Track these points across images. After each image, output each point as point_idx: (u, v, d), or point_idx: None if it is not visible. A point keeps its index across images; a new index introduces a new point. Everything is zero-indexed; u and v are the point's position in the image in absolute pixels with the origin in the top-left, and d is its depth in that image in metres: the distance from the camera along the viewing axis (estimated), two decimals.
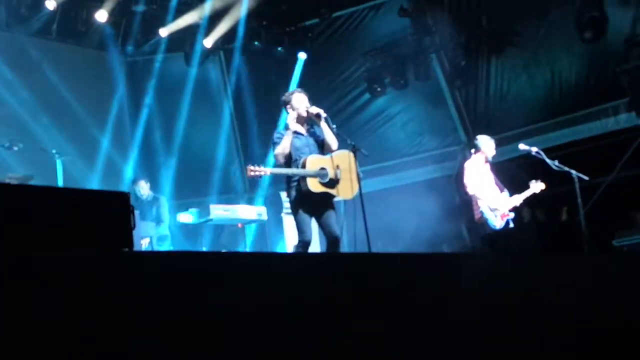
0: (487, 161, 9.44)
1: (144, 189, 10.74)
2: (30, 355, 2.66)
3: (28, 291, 2.79)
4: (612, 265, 5.62)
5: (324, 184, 7.20)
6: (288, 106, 7.51)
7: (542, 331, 4.31)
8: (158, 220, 10.54)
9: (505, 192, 9.43)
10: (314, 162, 7.28)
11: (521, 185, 9.71)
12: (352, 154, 7.46)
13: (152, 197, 10.81)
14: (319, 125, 7.55)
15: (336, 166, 7.36)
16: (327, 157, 7.40)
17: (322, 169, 7.24)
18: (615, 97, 12.08)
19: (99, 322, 2.88)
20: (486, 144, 9.46)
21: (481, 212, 9.10)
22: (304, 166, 7.21)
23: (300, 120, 7.45)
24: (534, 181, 9.60)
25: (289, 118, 7.39)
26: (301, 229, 7.17)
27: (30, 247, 3.64)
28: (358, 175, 7.39)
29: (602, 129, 12.38)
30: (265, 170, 7.18)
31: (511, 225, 9.21)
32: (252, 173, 7.14)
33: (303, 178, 7.15)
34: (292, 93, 7.58)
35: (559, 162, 9.28)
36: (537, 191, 9.57)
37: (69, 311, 2.83)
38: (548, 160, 9.33)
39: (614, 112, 12.25)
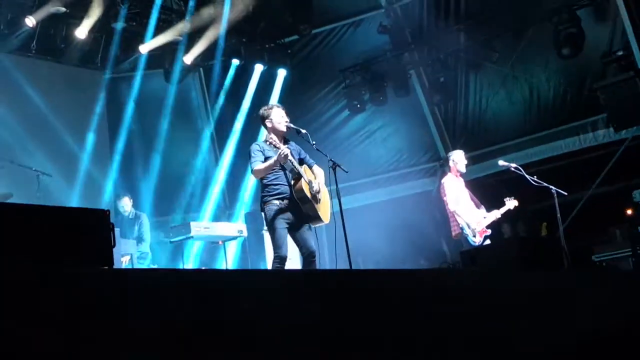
0: (460, 175, 9.53)
1: (127, 205, 10.69)
2: None
3: (5, 307, 2.77)
4: (592, 281, 5.66)
5: (311, 194, 7.25)
6: (267, 120, 7.50)
7: (521, 347, 4.33)
8: (139, 239, 10.49)
9: (482, 209, 9.49)
10: (307, 172, 7.42)
11: (501, 201, 9.77)
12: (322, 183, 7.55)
13: (134, 214, 10.76)
14: (295, 141, 7.62)
15: (318, 190, 7.45)
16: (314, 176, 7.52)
17: (311, 182, 7.33)
18: (593, 113, 12.20)
19: (78, 339, 2.86)
20: (458, 157, 9.56)
21: (461, 229, 9.14)
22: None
23: (278, 135, 7.43)
24: (507, 198, 9.68)
25: (271, 138, 7.32)
26: (277, 245, 7.16)
27: (9, 264, 3.62)
28: (338, 192, 7.41)
29: (580, 145, 12.49)
30: (280, 146, 7.16)
31: (488, 241, 9.26)
32: (271, 140, 7.20)
33: (296, 179, 7.22)
34: (270, 108, 7.56)
35: (538, 178, 9.34)
36: (512, 207, 9.64)
37: (48, 327, 2.81)
38: (527, 176, 9.39)
39: (592, 128, 12.37)
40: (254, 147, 7.44)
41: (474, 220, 9.17)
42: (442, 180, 9.56)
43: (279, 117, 7.46)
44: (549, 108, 12.79)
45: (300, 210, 7.24)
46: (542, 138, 12.83)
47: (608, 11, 11.97)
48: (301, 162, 7.51)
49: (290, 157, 7.15)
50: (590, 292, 5.25)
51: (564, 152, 12.64)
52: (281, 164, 7.23)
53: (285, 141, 7.55)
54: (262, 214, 7.45)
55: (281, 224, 7.17)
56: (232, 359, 3.19)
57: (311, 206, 7.26)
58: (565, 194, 9.33)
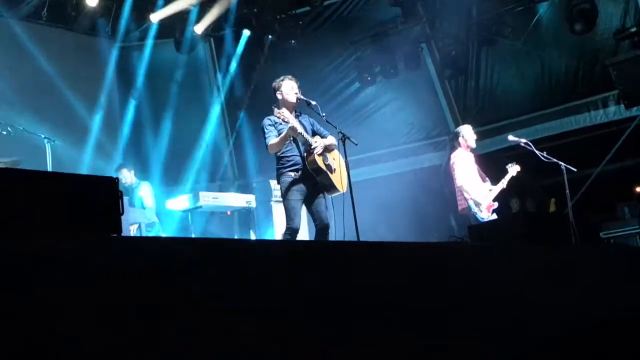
0: (470, 150, 9.48)
1: (126, 177, 10.62)
2: (16, 342, 2.65)
3: (14, 275, 2.78)
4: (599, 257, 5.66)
5: (325, 164, 7.27)
6: (278, 92, 7.53)
7: (527, 323, 4.34)
8: (141, 206, 10.50)
9: (488, 182, 9.46)
10: (319, 142, 7.42)
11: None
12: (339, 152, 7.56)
13: (138, 183, 10.75)
14: (307, 114, 7.64)
15: (333, 158, 7.50)
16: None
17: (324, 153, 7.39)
18: (605, 89, 12.13)
19: (87, 308, 2.87)
20: (468, 133, 9.50)
21: (468, 205, 9.12)
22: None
23: (288, 106, 7.44)
24: (509, 165, 9.59)
25: (280, 112, 7.31)
26: (290, 216, 7.20)
27: (18, 230, 3.63)
28: (347, 165, 7.43)
29: (591, 121, 12.44)
30: (289, 119, 7.16)
31: (494, 215, 9.22)
32: (278, 114, 7.22)
33: (309, 152, 7.23)
34: (282, 79, 7.58)
35: (548, 154, 9.32)
36: (514, 174, 9.53)
37: (56, 296, 2.83)
38: (537, 152, 9.36)
39: (603, 105, 12.30)
40: (266, 121, 7.46)
41: (480, 195, 9.15)
42: (452, 155, 9.52)
43: (288, 89, 7.47)
44: (560, 84, 12.71)
45: (315, 181, 7.28)
46: (553, 114, 12.77)
47: None
48: (314, 133, 7.53)
49: (300, 130, 7.17)
50: (598, 269, 5.25)
51: (574, 128, 12.59)
52: (293, 136, 7.25)
53: (297, 113, 7.56)
54: (277, 185, 7.53)
55: (295, 195, 7.22)
56: (247, 328, 3.20)
57: (326, 176, 7.30)
58: (575, 170, 9.31)
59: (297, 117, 7.48)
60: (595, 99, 12.38)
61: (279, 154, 7.38)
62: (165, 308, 3.04)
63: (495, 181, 9.46)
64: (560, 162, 9.19)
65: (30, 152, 9.38)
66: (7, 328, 2.57)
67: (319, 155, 7.28)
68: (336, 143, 7.60)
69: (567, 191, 9.07)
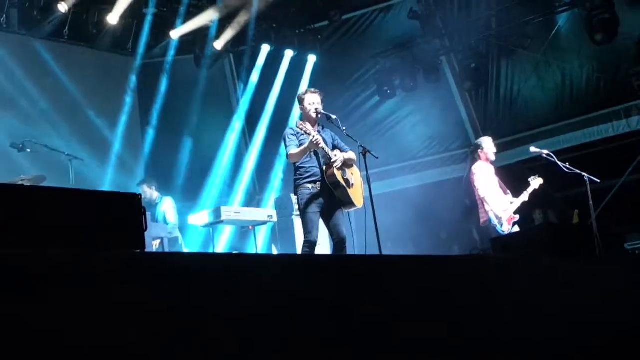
0: (490, 163, 9.42)
1: (146, 193, 10.65)
2: (40, 354, 2.67)
3: (41, 291, 2.80)
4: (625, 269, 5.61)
5: (343, 178, 7.27)
6: (300, 105, 7.58)
7: (554, 333, 4.30)
8: (163, 221, 10.54)
9: (509, 195, 9.39)
10: (339, 157, 7.41)
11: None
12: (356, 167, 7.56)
13: (160, 198, 10.79)
14: (329, 128, 7.64)
15: (351, 173, 7.51)
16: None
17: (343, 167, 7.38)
18: (627, 99, 12.07)
19: (112, 322, 2.88)
20: (488, 145, 9.44)
21: (488, 218, 9.05)
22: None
23: (310, 119, 7.47)
24: (532, 177, 9.51)
25: (301, 124, 7.34)
26: (308, 229, 7.19)
27: (43, 247, 3.66)
28: (368, 177, 7.42)
29: (614, 132, 12.36)
30: (311, 132, 7.18)
31: (516, 228, 9.14)
32: (301, 126, 7.23)
33: (329, 165, 7.25)
34: (305, 92, 7.61)
35: (570, 165, 9.25)
36: (537, 187, 9.46)
37: (82, 311, 2.84)
38: (559, 163, 9.29)
39: (625, 115, 12.23)
40: (288, 131, 7.50)
41: (501, 208, 9.07)
42: (473, 167, 9.47)
43: (309, 103, 7.49)
44: (582, 94, 12.65)
45: (333, 195, 7.28)
46: (575, 125, 12.71)
47: None
48: (335, 148, 7.53)
49: (322, 144, 7.17)
50: (623, 281, 5.20)
51: (596, 139, 12.52)
52: (314, 149, 7.27)
53: (319, 127, 7.58)
54: (295, 197, 7.52)
55: (313, 208, 7.21)
56: (265, 343, 3.20)
57: (344, 191, 7.29)
58: (598, 181, 9.22)
59: (319, 130, 7.49)
60: (617, 109, 12.30)
61: (297, 164, 7.39)
62: (189, 324, 3.05)
63: (517, 193, 9.40)
64: (583, 173, 9.11)
65: (53, 169, 9.48)
66: (25, 342, 2.59)
67: (338, 169, 7.28)
68: (355, 159, 7.59)
69: (591, 202, 8.99)
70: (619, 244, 10.75)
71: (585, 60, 12.55)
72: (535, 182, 9.45)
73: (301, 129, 7.25)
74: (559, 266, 5.23)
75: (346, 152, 7.57)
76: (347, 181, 7.34)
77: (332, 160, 7.26)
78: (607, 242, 8.67)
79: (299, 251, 10.32)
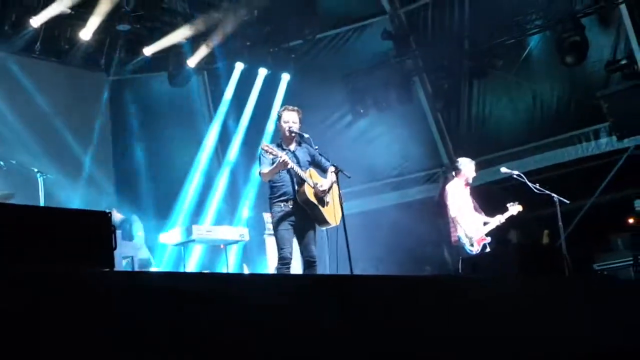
0: (467, 184, 9.45)
1: (115, 217, 10.56)
2: None
3: (6, 306, 2.77)
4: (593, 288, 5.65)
5: (317, 197, 7.25)
6: (278, 123, 7.60)
7: (523, 353, 4.32)
8: (129, 238, 10.46)
9: (482, 215, 9.42)
10: (313, 175, 7.43)
11: (502, 208, 9.72)
12: (336, 185, 7.52)
13: (129, 216, 10.71)
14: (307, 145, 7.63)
15: (325, 191, 7.46)
16: (322, 179, 7.51)
17: (316, 184, 7.33)
18: (596, 121, 12.20)
19: (79, 340, 2.86)
20: (467, 167, 9.46)
21: (458, 237, 9.09)
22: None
23: (285, 138, 7.49)
24: (511, 204, 9.57)
25: (267, 146, 7.35)
26: (280, 246, 7.19)
27: (11, 264, 3.61)
28: (340, 197, 7.42)
29: (583, 153, 12.49)
30: (278, 153, 7.16)
31: (487, 249, 9.16)
32: (267, 148, 7.24)
33: (301, 184, 7.23)
34: (283, 110, 7.63)
35: (540, 186, 9.31)
36: (515, 213, 9.53)
37: (49, 328, 2.81)
38: (529, 184, 9.35)
39: (594, 136, 12.37)
40: (263, 149, 7.48)
41: (472, 228, 9.11)
42: (447, 186, 9.50)
43: (284, 121, 7.51)
44: (552, 116, 12.78)
45: (306, 213, 7.27)
46: (545, 146, 12.83)
47: (612, 19, 11.96)
48: (315, 164, 7.54)
49: (290, 165, 7.17)
50: (591, 301, 5.24)
51: (566, 160, 12.64)
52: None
53: (298, 143, 7.58)
54: (267, 215, 7.52)
55: (284, 225, 7.22)
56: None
57: (317, 210, 7.28)
58: (567, 202, 9.29)
59: (295, 148, 7.50)
60: (586, 130, 12.45)
61: (271, 183, 7.39)
62: (163, 341, 3.03)
63: (487, 213, 9.44)
64: (552, 194, 9.17)
65: (22, 187, 9.36)
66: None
67: (311, 187, 7.27)
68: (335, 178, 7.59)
69: (560, 223, 9.06)
70: (588, 264, 10.82)
71: (555, 82, 12.69)
72: (514, 209, 9.51)
73: (267, 151, 7.27)
74: (527, 286, 5.26)
75: (326, 167, 7.56)
76: (321, 200, 7.33)
77: (321, 189, 7.27)
78: (576, 262, 8.72)
79: (271, 270, 10.30)
